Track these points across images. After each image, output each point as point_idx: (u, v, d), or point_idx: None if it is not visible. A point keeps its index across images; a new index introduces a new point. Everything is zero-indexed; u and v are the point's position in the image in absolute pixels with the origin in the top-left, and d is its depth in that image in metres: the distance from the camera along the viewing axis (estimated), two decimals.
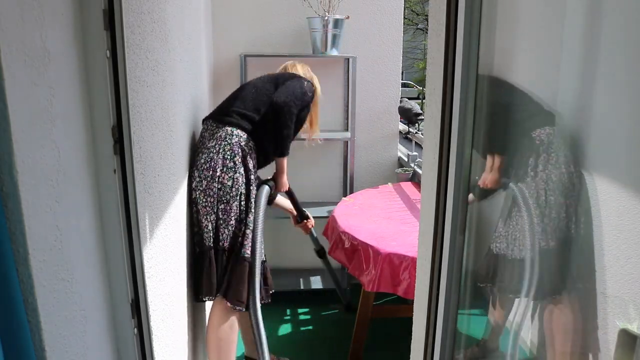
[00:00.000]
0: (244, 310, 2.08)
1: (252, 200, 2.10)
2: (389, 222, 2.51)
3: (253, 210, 2.11)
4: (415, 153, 3.31)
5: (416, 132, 3.39)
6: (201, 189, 2.05)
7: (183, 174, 2.01)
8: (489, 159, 1.17)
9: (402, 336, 2.82)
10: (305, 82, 2.27)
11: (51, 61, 0.98)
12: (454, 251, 1.13)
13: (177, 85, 1.87)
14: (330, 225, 2.65)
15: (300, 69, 2.42)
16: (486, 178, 1.18)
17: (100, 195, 1.25)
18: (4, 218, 0.81)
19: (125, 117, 1.25)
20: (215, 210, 2.04)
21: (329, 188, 3.44)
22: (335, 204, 2.90)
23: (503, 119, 1.19)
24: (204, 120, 2.21)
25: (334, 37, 3.04)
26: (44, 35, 0.95)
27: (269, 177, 2.34)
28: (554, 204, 1.09)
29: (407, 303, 2.41)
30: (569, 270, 1.09)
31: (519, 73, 1.20)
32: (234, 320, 2.14)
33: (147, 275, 1.39)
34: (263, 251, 2.19)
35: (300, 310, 3.15)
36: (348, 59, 3.21)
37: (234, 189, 2.05)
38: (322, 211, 3.16)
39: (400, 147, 3.60)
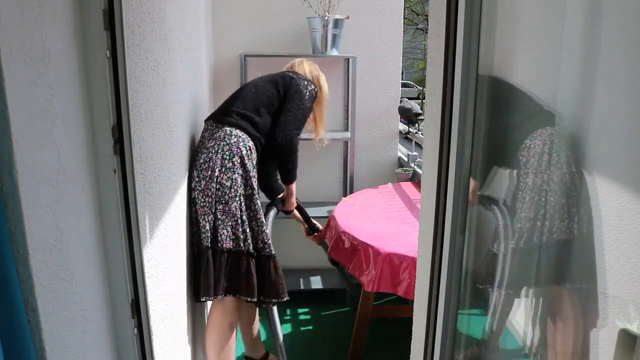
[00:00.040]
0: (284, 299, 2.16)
1: (254, 201, 2.11)
2: (389, 222, 2.51)
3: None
4: (415, 153, 3.31)
5: (416, 132, 3.39)
6: (200, 188, 2.04)
7: (183, 174, 2.01)
8: (472, 182, 1.17)
9: (402, 336, 2.83)
10: (307, 92, 2.27)
11: (51, 61, 0.98)
12: (454, 251, 1.13)
13: (177, 85, 1.87)
14: (330, 225, 2.65)
15: (307, 67, 2.42)
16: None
17: (100, 195, 1.25)
18: (4, 218, 0.81)
19: (125, 117, 1.25)
20: (213, 211, 2.04)
21: (329, 188, 3.44)
22: (335, 204, 2.90)
23: (503, 119, 1.19)
24: (205, 121, 2.21)
25: (334, 37, 3.04)
26: (44, 35, 0.95)
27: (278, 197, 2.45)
28: (554, 204, 1.09)
29: (407, 303, 2.41)
30: (569, 270, 1.09)
31: (519, 73, 1.20)
32: (233, 320, 2.14)
33: (147, 275, 1.39)
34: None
35: (300, 310, 3.15)
36: (348, 59, 3.21)
37: (232, 190, 2.05)
38: (322, 211, 3.16)
39: (400, 147, 3.60)
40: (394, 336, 2.88)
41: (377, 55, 3.31)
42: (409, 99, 3.75)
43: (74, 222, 1.09)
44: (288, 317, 3.06)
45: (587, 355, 1.06)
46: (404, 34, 3.61)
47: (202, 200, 2.04)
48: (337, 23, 3.01)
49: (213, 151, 2.06)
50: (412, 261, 2.04)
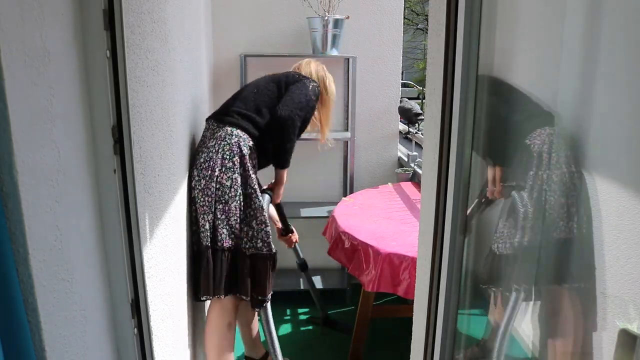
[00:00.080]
0: (266, 304, 2.12)
1: (254, 200, 2.10)
2: (389, 222, 2.51)
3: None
4: (415, 153, 3.31)
5: (416, 132, 3.39)
6: (199, 188, 2.04)
7: (183, 174, 2.01)
8: (489, 170, 1.17)
9: (402, 336, 2.83)
10: (310, 86, 2.26)
11: (51, 61, 0.98)
12: (454, 251, 1.13)
13: (177, 85, 1.87)
14: (330, 225, 2.65)
15: (314, 68, 2.40)
16: (493, 190, 1.18)
17: (100, 195, 1.25)
18: (4, 218, 0.81)
19: (125, 117, 1.25)
20: (213, 210, 2.04)
21: (329, 188, 3.44)
22: (335, 204, 2.90)
23: (503, 119, 1.19)
24: (207, 120, 2.21)
25: (334, 37, 3.04)
26: (44, 35, 0.95)
27: (269, 184, 2.35)
28: (555, 204, 1.09)
29: (407, 303, 2.41)
30: (569, 269, 1.09)
31: (519, 73, 1.20)
32: (232, 320, 2.14)
33: (147, 275, 1.39)
34: None
35: (300, 310, 3.15)
36: (348, 59, 3.21)
37: (232, 189, 2.05)
38: (322, 211, 3.16)
39: (400, 147, 3.60)
40: (394, 336, 2.88)
41: (377, 55, 3.31)
42: (409, 99, 3.75)
43: (74, 222, 1.09)
44: (288, 317, 3.06)
45: (587, 355, 1.06)
46: (404, 34, 3.61)
47: (202, 199, 2.04)
48: (337, 23, 3.01)
49: (213, 151, 2.06)
50: (412, 261, 2.04)
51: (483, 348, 1.37)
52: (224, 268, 2.05)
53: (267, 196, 2.25)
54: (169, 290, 1.68)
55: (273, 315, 3.02)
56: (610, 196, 0.90)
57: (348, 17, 3.06)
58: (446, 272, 1.14)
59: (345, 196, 3.19)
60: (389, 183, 3.24)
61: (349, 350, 2.55)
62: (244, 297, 2.09)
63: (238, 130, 2.10)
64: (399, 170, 3.32)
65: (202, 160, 2.06)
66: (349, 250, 2.33)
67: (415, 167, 3.28)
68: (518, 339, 1.27)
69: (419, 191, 1.75)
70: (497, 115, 1.17)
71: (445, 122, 1.09)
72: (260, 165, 2.22)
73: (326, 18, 2.98)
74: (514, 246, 1.20)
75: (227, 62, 3.22)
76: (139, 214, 1.33)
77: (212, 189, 2.03)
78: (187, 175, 2.08)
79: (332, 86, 2.46)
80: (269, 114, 2.19)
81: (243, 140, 2.09)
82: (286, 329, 3.02)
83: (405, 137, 3.59)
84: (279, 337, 2.92)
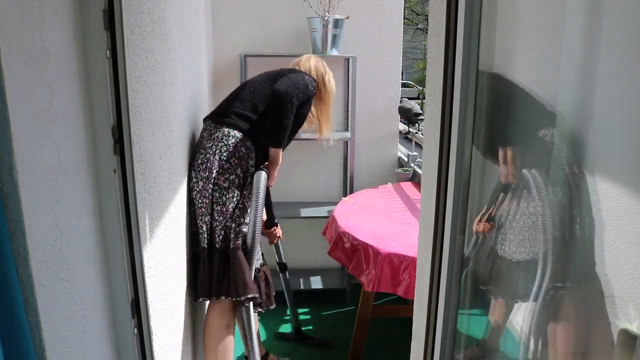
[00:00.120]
0: (246, 299, 2.06)
1: (248, 198, 2.08)
2: (389, 222, 2.51)
3: (252, 199, 2.06)
4: (415, 153, 3.31)
5: (416, 132, 3.39)
6: (197, 189, 2.04)
7: (183, 174, 2.01)
8: (500, 152, 1.16)
9: (402, 336, 2.83)
10: (307, 76, 2.22)
11: (51, 61, 0.98)
12: (454, 251, 1.13)
13: (177, 85, 1.87)
14: (330, 225, 2.65)
15: (313, 64, 2.35)
16: (506, 173, 1.16)
17: (100, 195, 1.25)
18: (4, 218, 0.81)
19: (125, 117, 1.25)
20: (210, 212, 2.04)
21: (329, 188, 3.44)
22: (335, 204, 2.90)
23: (503, 119, 1.19)
24: (204, 120, 2.21)
25: (334, 37, 3.04)
26: (44, 35, 0.95)
27: (264, 164, 2.25)
28: (555, 204, 1.09)
29: (407, 303, 2.41)
30: (569, 269, 1.09)
31: (519, 73, 1.20)
32: (231, 321, 2.13)
33: (147, 275, 1.39)
34: (260, 250, 2.18)
35: (300, 310, 3.15)
36: (348, 59, 3.21)
37: (229, 191, 2.04)
38: (322, 211, 3.16)
39: (400, 147, 3.60)
40: (394, 336, 2.88)
41: (377, 55, 3.31)
42: (409, 99, 3.75)
43: (74, 222, 1.09)
44: (288, 317, 3.06)
45: (587, 355, 1.06)
46: (404, 34, 3.61)
47: (200, 201, 2.04)
48: (337, 23, 3.01)
49: (211, 152, 2.05)
50: (412, 261, 2.04)
51: (483, 348, 1.37)
52: (220, 270, 2.04)
53: (263, 173, 2.10)
54: (169, 290, 1.68)
55: (273, 315, 3.03)
56: (610, 196, 0.90)
57: (348, 17, 3.06)
58: (446, 272, 1.14)
59: (345, 196, 3.19)
60: (389, 183, 3.24)
61: (349, 350, 2.55)
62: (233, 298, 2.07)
63: (235, 131, 2.09)
64: (399, 170, 3.32)
65: (199, 161, 2.06)
66: (349, 250, 2.33)
67: (415, 167, 3.27)
68: (518, 339, 1.26)
69: (419, 191, 1.75)
70: (498, 114, 1.17)
71: (445, 122, 1.09)
72: (258, 165, 2.21)
73: (326, 18, 2.98)
74: (513, 246, 1.20)
75: (227, 62, 3.22)
76: (139, 214, 1.33)
77: (209, 191, 2.03)
78: (187, 175, 2.08)
79: (332, 82, 2.41)
80: (266, 107, 2.14)
81: (240, 141, 2.08)
82: (286, 329, 3.02)
83: (405, 137, 3.59)
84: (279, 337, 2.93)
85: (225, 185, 2.04)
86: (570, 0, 1.04)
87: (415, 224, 2.37)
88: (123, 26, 1.21)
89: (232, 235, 2.05)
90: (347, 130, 3.33)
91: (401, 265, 2.08)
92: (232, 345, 2.16)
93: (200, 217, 2.04)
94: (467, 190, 1.11)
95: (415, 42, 21.43)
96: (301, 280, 3.36)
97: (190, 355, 2.06)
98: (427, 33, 1.27)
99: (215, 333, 2.11)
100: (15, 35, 0.84)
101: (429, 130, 1.21)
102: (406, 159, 3.39)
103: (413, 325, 1.36)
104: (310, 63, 2.36)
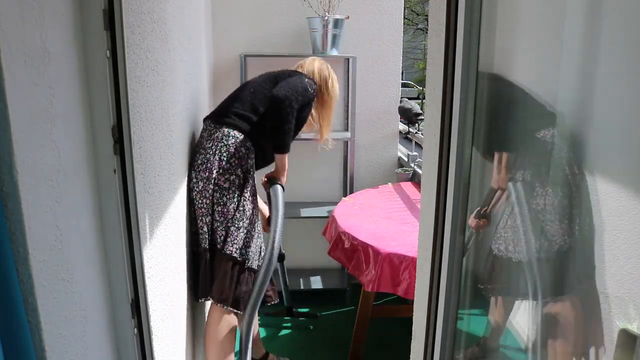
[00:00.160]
0: (229, 307, 2.05)
1: (248, 199, 2.09)
2: (389, 222, 2.51)
3: (272, 216, 2.11)
4: (415, 153, 3.31)
5: (416, 132, 3.39)
6: (197, 189, 2.04)
7: (183, 174, 2.01)
8: (496, 156, 1.17)
9: (402, 336, 2.83)
10: (307, 79, 2.21)
11: (51, 61, 0.98)
12: (454, 251, 1.13)
13: (177, 85, 1.87)
14: (330, 225, 2.65)
15: (317, 67, 2.33)
16: (497, 179, 1.18)
17: (100, 195, 1.25)
18: (4, 218, 0.81)
19: (125, 117, 1.25)
20: (210, 212, 2.03)
21: (329, 188, 3.44)
22: (335, 204, 2.90)
23: (503, 119, 1.19)
24: (204, 120, 2.21)
25: (334, 37, 3.04)
26: (44, 35, 0.95)
27: (269, 172, 2.29)
28: (555, 204, 1.09)
29: (407, 303, 2.41)
30: (568, 270, 1.09)
31: (519, 73, 1.20)
32: (232, 321, 2.13)
33: (147, 275, 1.39)
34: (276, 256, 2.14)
35: (300, 310, 3.15)
36: (348, 59, 3.21)
37: (230, 191, 2.04)
38: (322, 211, 3.16)
39: (400, 147, 3.60)
40: (394, 336, 2.88)
41: (377, 55, 3.31)
42: (409, 99, 3.75)
43: (74, 222, 1.09)
44: (288, 317, 3.06)
45: (587, 355, 1.06)
46: (404, 34, 3.61)
47: (200, 201, 2.04)
48: (337, 23, 3.01)
49: (211, 152, 2.05)
50: (412, 261, 2.04)
51: (483, 348, 1.37)
52: (220, 270, 2.05)
53: (279, 188, 2.15)
54: (169, 290, 1.68)
55: (273, 315, 3.03)
56: (610, 196, 0.90)
57: (348, 17, 3.06)
58: (446, 272, 1.14)
59: (345, 196, 3.19)
60: (389, 183, 3.24)
61: (349, 350, 2.55)
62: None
63: (235, 131, 2.09)
64: (399, 170, 3.32)
65: (199, 162, 2.06)
66: (349, 250, 2.33)
67: (415, 167, 3.28)
68: (518, 339, 1.26)
69: (419, 191, 1.75)
70: (498, 114, 1.17)
71: (445, 122, 1.09)
72: (257, 165, 2.21)
73: (326, 18, 2.98)
74: (513, 246, 1.20)
75: (227, 62, 3.22)
76: (139, 214, 1.33)
77: (209, 191, 2.03)
78: (187, 175, 2.08)
79: (336, 86, 2.38)
80: (266, 109, 2.14)
81: (240, 141, 2.08)
82: (286, 330, 3.01)
83: (405, 137, 3.59)
84: (280, 337, 2.93)
85: (226, 185, 2.03)
86: (570, 0, 1.04)
87: (415, 224, 2.37)
88: (123, 26, 1.21)
89: (229, 239, 2.05)
90: (347, 130, 3.33)
91: (401, 265, 2.08)
92: (233, 344, 2.16)
93: (200, 218, 2.04)
94: (467, 190, 1.11)
95: (415, 42, 21.44)
96: (301, 280, 3.36)
97: (190, 355, 2.06)
98: (427, 33, 1.27)
99: (217, 333, 2.11)
100: (15, 35, 0.84)
101: (429, 130, 1.21)
102: (406, 159, 3.40)
103: (413, 325, 1.36)
104: (314, 66, 2.34)
